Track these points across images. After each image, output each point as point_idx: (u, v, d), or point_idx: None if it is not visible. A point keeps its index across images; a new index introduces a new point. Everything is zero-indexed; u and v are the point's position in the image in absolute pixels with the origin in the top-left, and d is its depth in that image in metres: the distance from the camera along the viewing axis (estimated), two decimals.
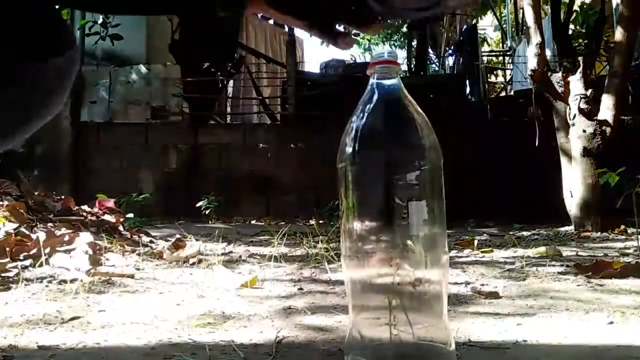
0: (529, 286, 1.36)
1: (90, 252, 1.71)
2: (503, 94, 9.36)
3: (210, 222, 4.55)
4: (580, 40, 5.80)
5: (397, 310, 0.67)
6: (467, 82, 7.22)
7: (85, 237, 1.85)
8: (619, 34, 3.30)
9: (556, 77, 3.40)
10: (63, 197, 2.76)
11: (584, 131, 3.20)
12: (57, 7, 0.57)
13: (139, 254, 1.90)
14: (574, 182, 3.28)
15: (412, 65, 9.14)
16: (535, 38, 3.43)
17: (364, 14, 0.69)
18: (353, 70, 6.31)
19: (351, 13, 0.70)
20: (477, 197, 4.78)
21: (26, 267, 1.56)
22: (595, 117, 3.22)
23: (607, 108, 3.25)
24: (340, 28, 0.72)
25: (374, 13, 0.67)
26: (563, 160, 3.47)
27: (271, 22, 8.20)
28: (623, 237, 2.85)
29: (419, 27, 8.64)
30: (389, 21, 0.76)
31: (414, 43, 9.25)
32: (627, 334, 0.89)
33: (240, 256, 1.98)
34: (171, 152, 5.44)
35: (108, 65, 5.78)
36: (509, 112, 5.90)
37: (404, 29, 11.07)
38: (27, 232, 1.82)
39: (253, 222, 4.76)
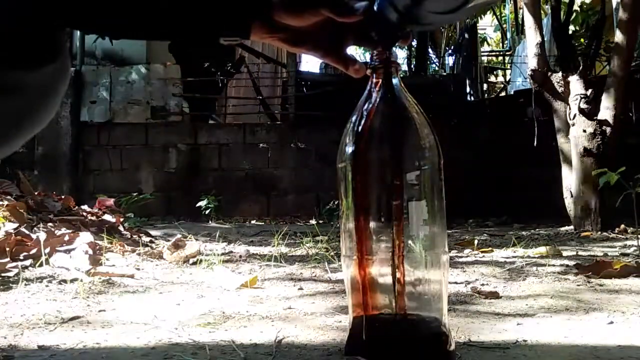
0: (529, 286, 1.36)
1: (90, 252, 1.71)
2: (503, 94, 9.36)
3: (210, 222, 4.55)
4: (581, 40, 5.80)
5: (397, 310, 0.67)
6: (467, 81, 7.22)
7: (85, 237, 1.85)
8: (619, 33, 3.29)
9: (556, 77, 3.39)
10: (63, 197, 2.76)
11: (584, 131, 3.20)
12: (50, 16, 0.57)
13: (139, 254, 1.90)
14: (574, 182, 3.27)
15: (412, 65, 9.14)
16: (535, 38, 3.43)
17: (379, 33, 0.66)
18: None
19: (364, 35, 0.69)
20: (477, 197, 4.78)
21: (26, 267, 1.56)
22: (595, 117, 3.21)
23: (607, 108, 3.24)
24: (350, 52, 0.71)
25: (393, 28, 0.65)
26: (563, 160, 3.47)
27: None
28: (623, 237, 2.85)
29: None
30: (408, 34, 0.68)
31: (414, 43, 9.24)
32: (627, 334, 0.89)
33: (240, 256, 1.98)
34: (171, 152, 5.44)
35: (108, 65, 5.78)
36: (509, 112, 5.89)
37: None
38: (27, 232, 1.81)
39: (253, 222, 4.76)
